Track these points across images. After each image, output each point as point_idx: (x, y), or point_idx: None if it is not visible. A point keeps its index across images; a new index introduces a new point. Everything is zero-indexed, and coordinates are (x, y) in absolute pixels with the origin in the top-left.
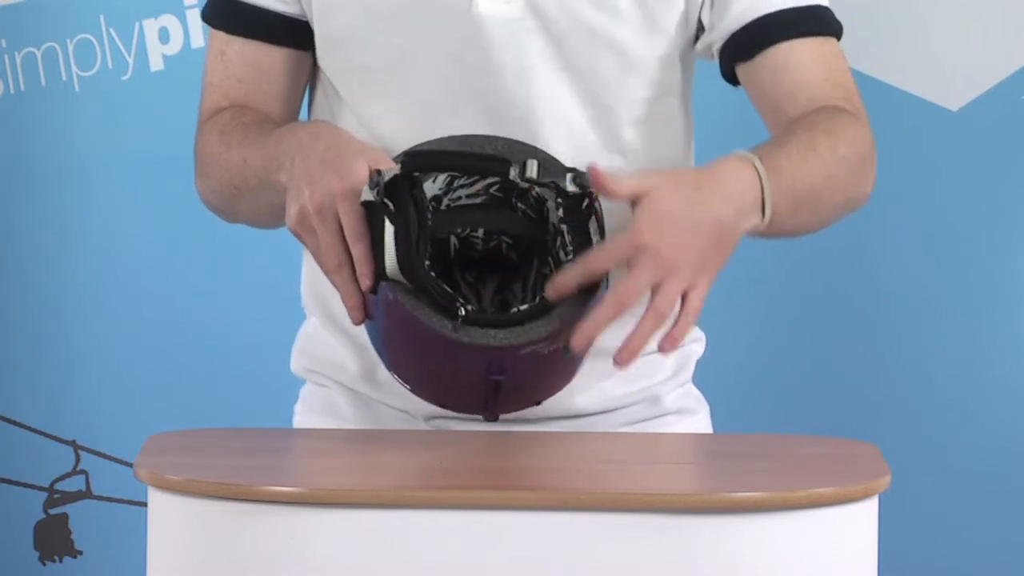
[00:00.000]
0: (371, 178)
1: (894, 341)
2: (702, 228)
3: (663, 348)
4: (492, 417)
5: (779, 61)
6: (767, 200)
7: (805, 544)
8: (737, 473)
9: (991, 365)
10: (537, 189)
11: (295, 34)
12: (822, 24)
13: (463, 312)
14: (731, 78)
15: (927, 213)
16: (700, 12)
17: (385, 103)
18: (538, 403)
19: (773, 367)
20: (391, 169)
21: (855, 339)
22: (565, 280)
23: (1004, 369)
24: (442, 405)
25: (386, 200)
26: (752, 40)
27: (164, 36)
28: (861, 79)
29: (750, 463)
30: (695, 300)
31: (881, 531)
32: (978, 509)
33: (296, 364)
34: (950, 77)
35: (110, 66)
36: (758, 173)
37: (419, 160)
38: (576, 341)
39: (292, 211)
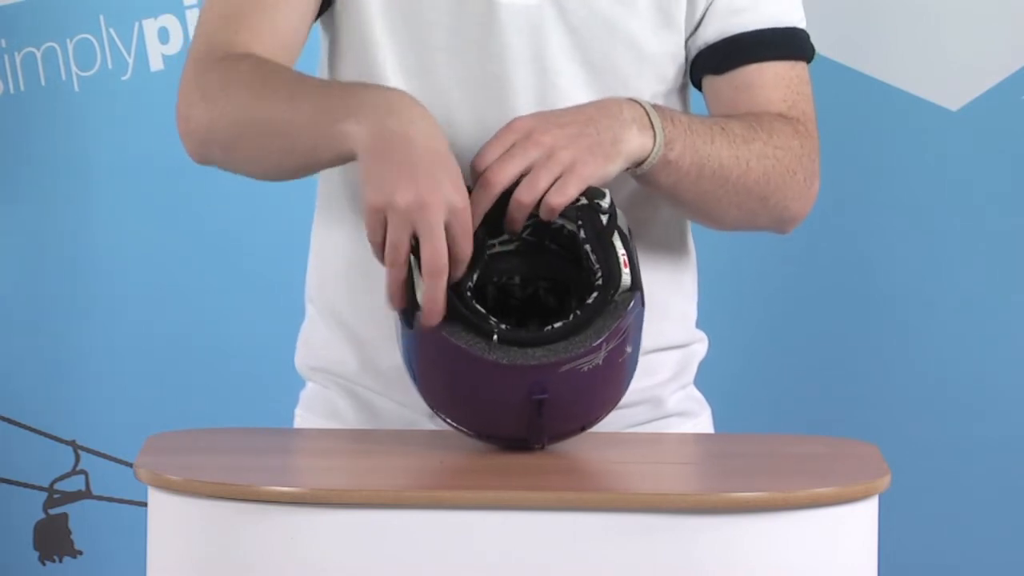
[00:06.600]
0: None
1: (894, 341)
2: (577, 120)
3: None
4: (538, 442)
5: (745, 80)
6: (656, 127)
7: (805, 544)
8: (738, 473)
9: (991, 365)
10: (560, 221)
11: None
12: (796, 48)
13: (497, 332)
14: (698, 83)
15: (927, 213)
16: (703, 14)
17: (399, 85)
18: (583, 428)
19: (774, 368)
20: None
21: (855, 339)
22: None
23: (1004, 369)
24: (488, 439)
25: None
26: (725, 56)
27: (164, 36)
28: (861, 79)
29: (751, 463)
30: (573, 182)
31: (881, 531)
32: (978, 509)
33: (300, 360)
34: (950, 77)
35: (110, 66)
36: (640, 104)
37: None
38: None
39: (398, 202)
